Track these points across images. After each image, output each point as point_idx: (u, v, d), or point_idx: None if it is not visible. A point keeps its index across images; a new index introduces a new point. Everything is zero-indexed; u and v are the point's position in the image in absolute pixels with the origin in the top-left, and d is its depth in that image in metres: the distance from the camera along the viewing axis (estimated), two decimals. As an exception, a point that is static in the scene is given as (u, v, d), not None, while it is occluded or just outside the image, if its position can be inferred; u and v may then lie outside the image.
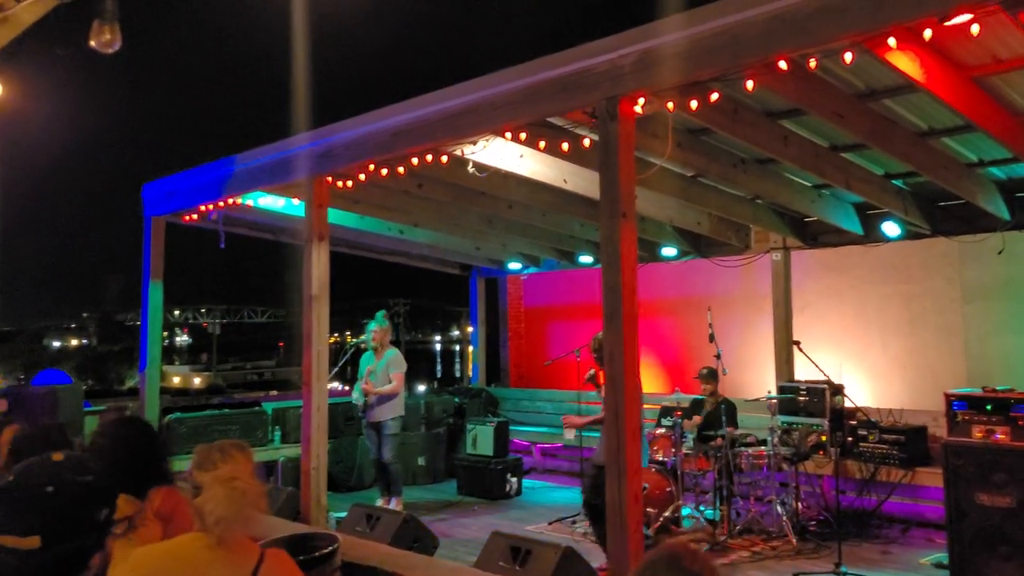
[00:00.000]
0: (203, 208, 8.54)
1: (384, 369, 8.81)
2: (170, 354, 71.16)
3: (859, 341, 9.56)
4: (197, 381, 55.74)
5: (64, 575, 1.86)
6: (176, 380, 55.92)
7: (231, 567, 2.53)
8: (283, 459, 9.56)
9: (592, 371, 6.82)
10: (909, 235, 8.73)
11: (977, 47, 4.86)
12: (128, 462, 3.31)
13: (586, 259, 11.31)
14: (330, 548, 4.70)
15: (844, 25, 4.04)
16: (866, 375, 9.41)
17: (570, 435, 6.80)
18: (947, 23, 3.94)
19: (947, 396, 6.14)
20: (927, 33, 4.03)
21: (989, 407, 5.86)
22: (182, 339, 79.71)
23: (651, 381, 10.98)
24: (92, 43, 4.52)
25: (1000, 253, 8.14)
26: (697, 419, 8.28)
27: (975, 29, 3.96)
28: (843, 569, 6.25)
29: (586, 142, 6.15)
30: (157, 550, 2.64)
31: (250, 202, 8.43)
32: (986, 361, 8.65)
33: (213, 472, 2.67)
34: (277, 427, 9.93)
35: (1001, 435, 5.77)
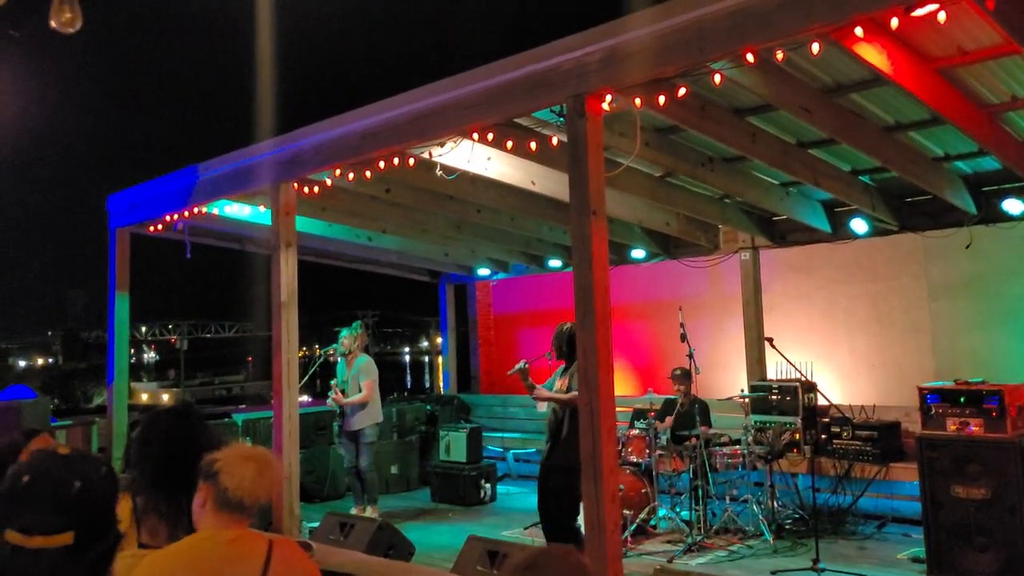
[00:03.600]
0: (168, 218, 8.41)
1: (355, 378, 8.72)
2: (137, 371, 70.18)
3: (827, 341, 9.60)
4: (165, 397, 54.99)
5: (97, 573, 1.78)
6: (144, 397, 55.15)
7: (242, 561, 2.46)
8: (254, 471, 9.40)
9: (524, 363, 6.56)
10: (876, 232, 8.78)
11: (943, 38, 4.89)
12: (155, 458, 3.04)
13: (555, 263, 11.28)
14: (303, 557, 4.62)
15: (811, 16, 4.04)
16: (834, 374, 9.45)
17: (542, 407, 6.76)
18: (913, 13, 3.95)
19: (920, 390, 6.15)
20: (894, 22, 4.04)
21: (963, 399, 5.88)
22: (149, 356, 78.71)
23: (624, 384, 10.97)
24: (52, 23, 4.37)
25: (968, 248, 8.20)
26: (669, 420, 8.25)
27: (942, 17, 3.97)
28: (821, 566, 6.24)
29: (554, 141, 6.12)
30: (165, 556, 2.55)
31: (216, 211, 8.32)
32: (953, 357, 8.70)
33: (229, 451, 2.60)
34: (248, 438, 9.78)
35: (975, 427, 5.79)
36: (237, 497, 2.53)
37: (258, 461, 2.60)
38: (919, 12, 3.97)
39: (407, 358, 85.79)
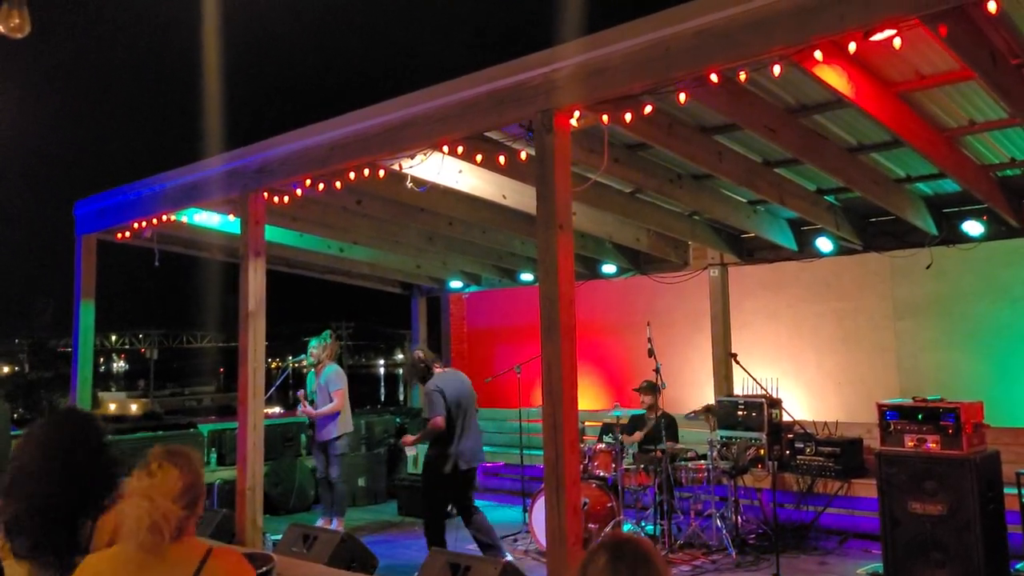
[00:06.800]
0: (136, 225, 8.37)
1: (324, 387, 8.70)
2: (106, 380, 69.46)
3: (796, 358, 9.71)
4: (134, 408, 54.34)
5: None
6: (112, 407, 54.50)
7: (172, 569, 2.45)
8: (220, 481, 9.35)
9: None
10: (842, 251, 8.90)
11: (902, 63, 5.01)
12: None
13: (527, 276, 11.33)
14: (264, 569, 4.60)
15: (772, 39, 4.12)
16: (803, 391, 9.55)
17: (411, 452, 6.90)
18: (871, 38, 4.04)
19: (880, 406, 6.23)
20: (852, 47, 4.12)
21: (920, 416, 5.97)
22: (119, 365, 77.92)
23: (593, 399, 11.03)
24: (0, 28, 4.37)
25: (928, 268, 8.33)
26: (638, 435, 8.29)
27: (897, 43, 4.06)
28: (781, 580, 6.30)
29: (523, 155, 6.17)
30: (96, 561, 2.56)
31: (185, 219, 8.29)
32: (917, 376, 8.83)
33: (145, 480, 2.58)
34: (213, 449, 9.72)
35: (932, 444, 5.88)
36: (126, 535, 2.48)
37: (141, 505, 2.49)
38: (877, 37, 4.05)
39: (382, 371, 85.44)
